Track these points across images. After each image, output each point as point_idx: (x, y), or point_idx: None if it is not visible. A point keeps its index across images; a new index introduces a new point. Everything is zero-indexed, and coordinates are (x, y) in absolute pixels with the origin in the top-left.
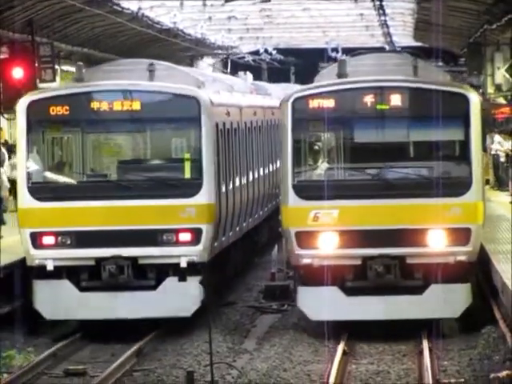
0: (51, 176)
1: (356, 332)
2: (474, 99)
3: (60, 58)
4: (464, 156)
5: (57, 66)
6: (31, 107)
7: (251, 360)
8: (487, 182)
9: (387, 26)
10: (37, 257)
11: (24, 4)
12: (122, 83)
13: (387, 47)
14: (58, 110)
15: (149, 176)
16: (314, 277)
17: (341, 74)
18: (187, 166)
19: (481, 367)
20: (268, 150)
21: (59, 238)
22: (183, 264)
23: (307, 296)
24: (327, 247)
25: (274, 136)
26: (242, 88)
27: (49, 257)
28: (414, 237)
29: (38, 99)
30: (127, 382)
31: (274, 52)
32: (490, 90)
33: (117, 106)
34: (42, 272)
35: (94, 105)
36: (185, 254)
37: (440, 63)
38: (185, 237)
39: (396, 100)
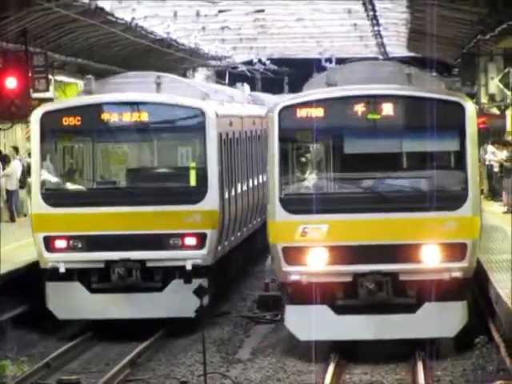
0: (63, 183)
1: (347, 349)
2: (470, 108)
3: (53, 68)
4: (460, 168)
5: (50, 76)
6: (45, 118)
7: (245, 370)
8: (481, 192)
9: (381, 37)
10: (49, 260)
11: (18, 14)
12: (131, 95)
13: (381, 57)
14: (70, 121)
15: (156, 183)
16: (302, 295)
17: (330, 83)
18: (192, 174)
19: (474, 378)
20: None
21: (71, 242)
22: (188, 267)
23: (295, 315)
24: (316, 264)
25: None
26: (241, 99)
27: (61, 260)
28: (408, 252)
29: (52, 110)
30: None
31: (268, 62)
32: (484, 100)
33: (126, 117)
34: (54, 274)
35: (104, 116)
36: (190, 257)
37: (434, 73)
38: (190, 241)
39: (388, 109)
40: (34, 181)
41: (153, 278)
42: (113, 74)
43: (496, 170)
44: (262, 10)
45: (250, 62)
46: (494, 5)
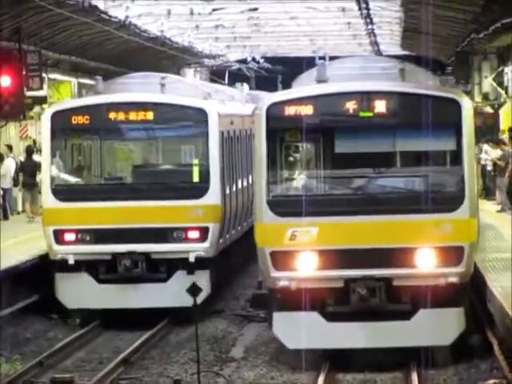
0: (72, 179)
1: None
2: (467, 105)
3: (47, 66)
4: (456, 167)
5: (44, 74)
6: (55, 117)
7: (238, 368)
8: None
9: (374, 35)
10: (59, 252)
11: (12, 12)
12: (137, 95)
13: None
14: (79, 120)
15: (160, 179)
16: (291, 301)
17: (320, 79)
18: (195, 170)
19: (468, 376)
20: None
21: (79, 235)
22: (191, 259)
23: (284, 322)
24: (306, 268)
25: None
26: (241, 98)
27: (70, 252)
28: (402, 257)
29: (62, 110)
30: None
31: (262, 60)
32: (478, 98)
33: (132, 117)
34: (63, 265)
35: (111, 115)
36: (193, 249)
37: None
38: (193, 234)
39: (381, 106)
40: (45, 177)
41: (157, 270)
42: (106, 72)
43: (489, 168)
44: (256, 9)
45: (243, 61)
46: (487, 3)
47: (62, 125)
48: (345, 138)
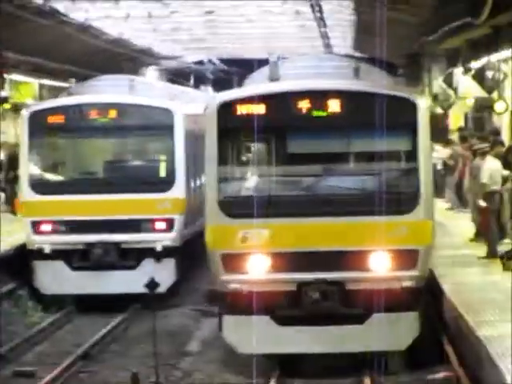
0: (49, 174)
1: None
2: (423, 105)
3: (9, 67)
4: (411, 169)
5: (6, 76)
6: (32, 116)
7: (195, 362)
8: None
9: (328, 37)
10: (36, 242)
11: None
12: (107, 97)
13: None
14: (54, 119)
15: (130, 174)
16: (241, 305)
17: (273, 77)
18: (162, 166)
19: (422, 381)
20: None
21: (55, 226)
22: (159, 248)
23: (234, 326)
24: (257, 271)
25: None
26: (205, 99)
27: (46, 242)
28: (355, 260)
29: (38, 110)
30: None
31: (218, 62)
32: (428, 99)
33: (103, 116)
34: (40, 254)
35: (84, 115)
36: (160, 239)
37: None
38: (160, 225)
39: (334, 105)
40: (23, 172)
41: (127, 258)
42: (68, 72)
43: (439, 167)
44: (212, 12)
45: (200, 62)
46: (436, 7)
47: (38, 124)
48: (297, 138)
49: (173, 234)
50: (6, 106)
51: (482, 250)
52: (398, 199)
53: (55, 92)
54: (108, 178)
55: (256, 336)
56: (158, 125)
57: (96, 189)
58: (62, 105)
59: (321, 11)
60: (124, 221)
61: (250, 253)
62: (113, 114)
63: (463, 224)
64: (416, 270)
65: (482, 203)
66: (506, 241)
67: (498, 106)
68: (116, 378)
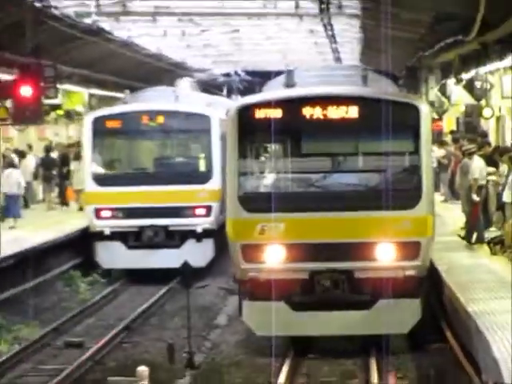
0: (107, 169)
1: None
2: (425, 110)
3: (62, 78)
4: (414, 168)
5: (59, 86)
6: (95, 121)
7: (222, 334)
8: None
9: (338, 52)
10: (98, 225)
11: (31, 32)
12: (157, 105)
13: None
14: (112, 124)
15: (175, 169)
16: (259, 291)
17: (288, 84)
18: (202, 162)
19: (422, 362)
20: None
21: (113, 212)
22: (199, 230)
23: (253, 310)
24: (273, 261)
25: None
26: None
27: (106, 225)
28: (362, 251)
29: (100, 116)
30: (118, 353)
31: (243, 74)
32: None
33: (153, 121)
34: (101, 236)
35: (137, 120)
36: (200, 223)
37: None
38: (200, 211)
39: (345, 110)
40: (87, 167)
41: (173, 238)
42: (112, 83)
43: (434, 165)
44: (237, 30)
45: (227, 74)
46: (432, 26)
47: (99, 128)
48: (310, 139)
49: (211, 219)
50: (59, 112)
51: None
52: (402, 196)
53: (102, 100)
54: (157, 172)
55: (272, 320)
56: (197, 128)
57: (147, 181)
58: (119, 112)
59: (332, 30)
60: (170, 208)
61: (267, 244)
62: (161, 119)
63: (455, 214)
64: (418, 260)
65: (476, 197)
66: (492, 229)
67: (486, 112)
68: (154, 348)
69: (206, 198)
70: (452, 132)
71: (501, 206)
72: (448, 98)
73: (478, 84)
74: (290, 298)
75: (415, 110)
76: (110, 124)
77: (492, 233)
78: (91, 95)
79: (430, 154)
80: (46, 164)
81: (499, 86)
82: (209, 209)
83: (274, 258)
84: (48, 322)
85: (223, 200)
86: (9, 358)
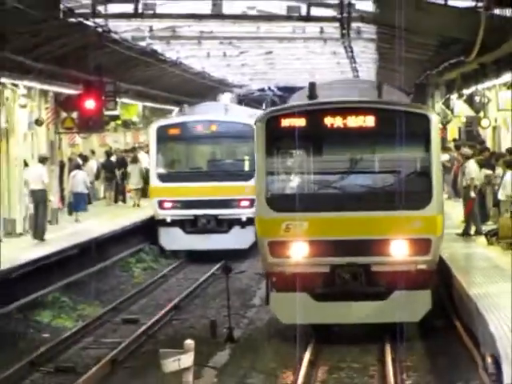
0: (169, 168)
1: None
2: (435, 119)
3: (120, 93)
4: (425, 172)
5: (118, 99)
6: (159, 129)
7: (257, 312)
8: None
9: (356, 71)
10: (161, 214)
11: (94, 53)
12: (211, 115)
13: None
14: (173, 131)
15: (223, 168)
16: (285, 283)
17: (311, 96)
18: (246, 163)
19: (432, 346)
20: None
21: (174, 204)
22: (243, 218)
23: (279, 301)
24: (298, 256)
25: None
26: None
27: (168, 214)
28: (379, 247)
29: (163, 125)
30: (168, 328)
31: (275, 89)
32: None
33: (205, 129)
34: (164, 223)
35: (194, 128)
36: (244, 213)
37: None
38: (245, 203)
39: (363, 119)
40: (152, 167)
41: (222, 225)
42: (162, 98)
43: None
44: (271, 52)
45: (262, 89)
46: (438, 48)
47: (162, 134)
48: (331, 146)
49: (253, 209)
50: (118, 122)
51: (471, 229)
52: (415, 197)
53: (154, 111)
54: (209, 171)
55: (296, 310)
56: (242, 135)
57: (201, 178)
58: (179, 121)
59: (352, 51)
60: (220, 200)
61: (292, 241)
62: (213, 127)
63: (457, 210)
64: (429, 255)
65: (473, 194)
66: (489, 223)
67: (484, 123)
68: (199, 324)
69: (249, 193)
70: (454, 140)
71: (496, 203)
72: (451, 110)
73: (477, 98)
74: (312, 290)
75: (426, 119)
76: (172, 131)
77: (489, 226)
78: (145, 107)
79: (439, 159)
80: (106, 167)
81: (496, 100)
82: (251, 201)
83: (298, 254)
84: (108, 301)
85: None
86: (74, 332)
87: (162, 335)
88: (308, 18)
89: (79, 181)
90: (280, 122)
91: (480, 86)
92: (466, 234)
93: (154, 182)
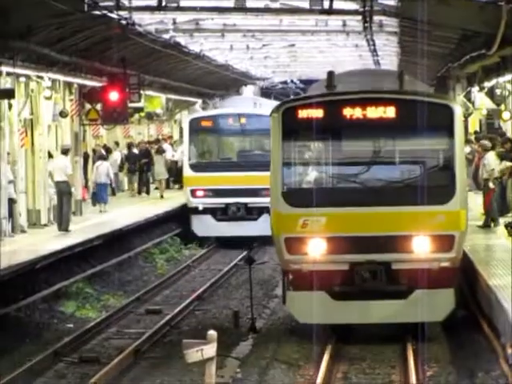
0: (201, 158)
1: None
2: (458, 110)
3: (144, 85)
4: (448, 165)
5: (142, 92)
6: (191, 121)
7: (279, 303)
8: None
9: (379, 64)
10: (193, 202)
11: (119, 46)
12: (241, 109)
13: None
14: (206, 124)
15: (254, 159)
16: (302, 281)
17: (329, 86)
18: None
19: (456, 348)
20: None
21: (205, 192)
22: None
23: (296, 300)
24: (315, 253)
25: None
26: None
27: (200, 202)
28: (400, 243)
29: (195, 117)
30: (191, 319)
31: (298, 82)
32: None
33: (236, 121)
34: (196, 210)
35: (225, 121)
36: None
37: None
38: None
39: (383, 110)
40: (186, 157)
41: (252, 213)
42: (186, 90)
43: None
44: (294, 45)
45: (285, 82)
46: (459, 42)
47: (195, 126)
48: (350, 138)
49: None
50: (142, 114)
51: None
52: (438, 191)
53: (177, 103)
54: (239, 161)
55: (314, 309)
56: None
57: (231, 168)
58: (211, 114)
59: (374, 44)
60: (249, 189)
61: (309, 237)
62: (243, 120)
63: (477, 203)
64: (452, 252)
65: (492, 185)
66: (510, 214)
67: (505, 115)
68: (221, 314)
69: None
70: (476, 132)
71: None
72: (472, 103)
73: (498, 91)
74: (330, 288)
75: (449, 110)
76: (204, 124)
77: (510, 218)
78: (168, 99)
79: (463, 152)
80: (129, 158)
81: None
82: None
83: (316, 250)
84: (131, 292)
85: None
86: (98, 322)
87: (185, 326)
88: (330, 11)
89: (102, 171)
90: (297, 113)
91: (501, 79)
92: (486, 225)
93: (187, 171)
